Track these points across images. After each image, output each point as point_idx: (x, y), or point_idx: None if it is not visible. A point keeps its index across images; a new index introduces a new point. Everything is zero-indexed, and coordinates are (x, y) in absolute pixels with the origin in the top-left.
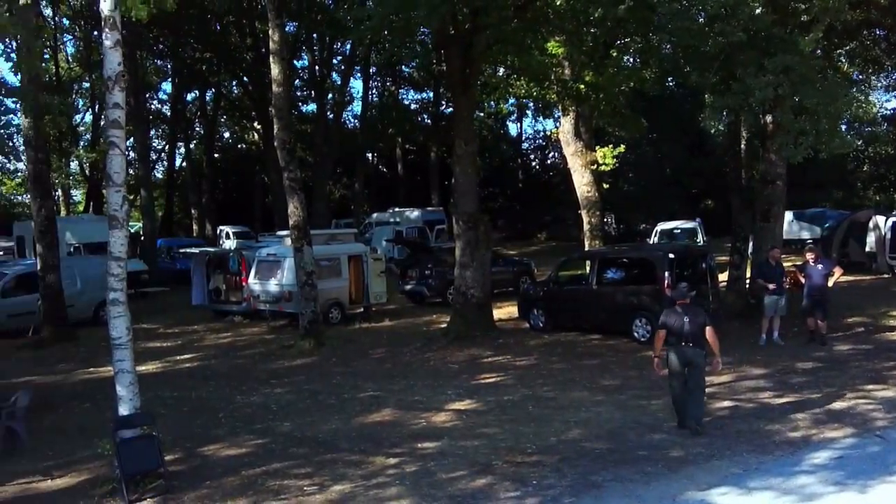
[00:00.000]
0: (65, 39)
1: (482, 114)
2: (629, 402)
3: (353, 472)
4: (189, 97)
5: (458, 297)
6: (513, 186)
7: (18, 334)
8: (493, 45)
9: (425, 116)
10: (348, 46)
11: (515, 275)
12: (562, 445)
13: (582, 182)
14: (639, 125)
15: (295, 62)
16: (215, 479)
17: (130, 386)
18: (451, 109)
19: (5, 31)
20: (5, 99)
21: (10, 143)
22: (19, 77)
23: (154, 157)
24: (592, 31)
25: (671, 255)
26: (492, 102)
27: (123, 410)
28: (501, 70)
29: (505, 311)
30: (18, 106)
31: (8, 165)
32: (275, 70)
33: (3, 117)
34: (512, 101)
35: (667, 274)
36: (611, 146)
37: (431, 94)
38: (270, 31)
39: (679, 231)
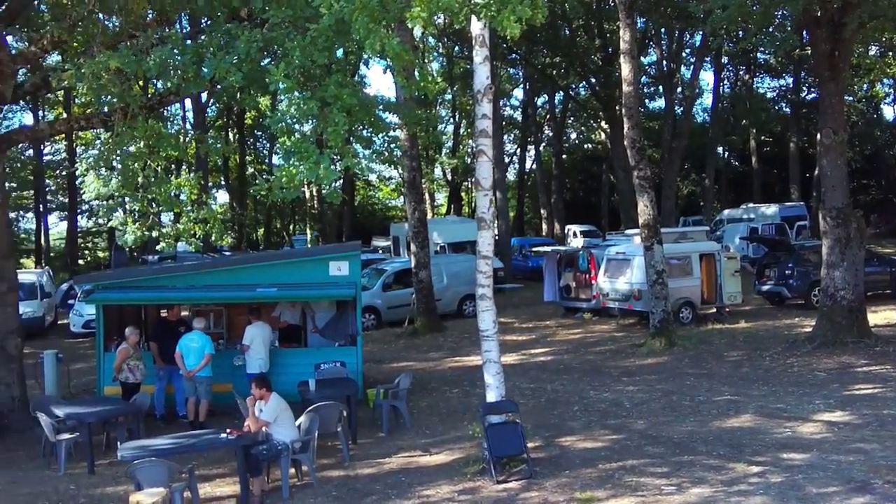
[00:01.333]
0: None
1: (852, 98)
2: None
3: (712, 477)
4: (539, 101)
5: (825, 299)
6: (888, 177)
7: (396, 324)
8: (869, 23)
9: (783, 105)
10: (698, 38)
11: (893, 276)
12: None
13: None
14: None
15: (643, 59)
16: (574, 469)
17: (497, 375)
18: (814, 96)
19: (400, 60)
20: (385, 113)
21: (395, 154)
22: (396, 93)
23: (507, 161)
24: None
25: None
26: (864, 85)
27: (491, 397)
28: (874, 49)
29: (882, 316)
30: (398, 119)
31: (384, 173)
32: (625, 69)
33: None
34: (888, 82)
35: None
36: None
37: (791, 80)
38: (621, 31)
39: None
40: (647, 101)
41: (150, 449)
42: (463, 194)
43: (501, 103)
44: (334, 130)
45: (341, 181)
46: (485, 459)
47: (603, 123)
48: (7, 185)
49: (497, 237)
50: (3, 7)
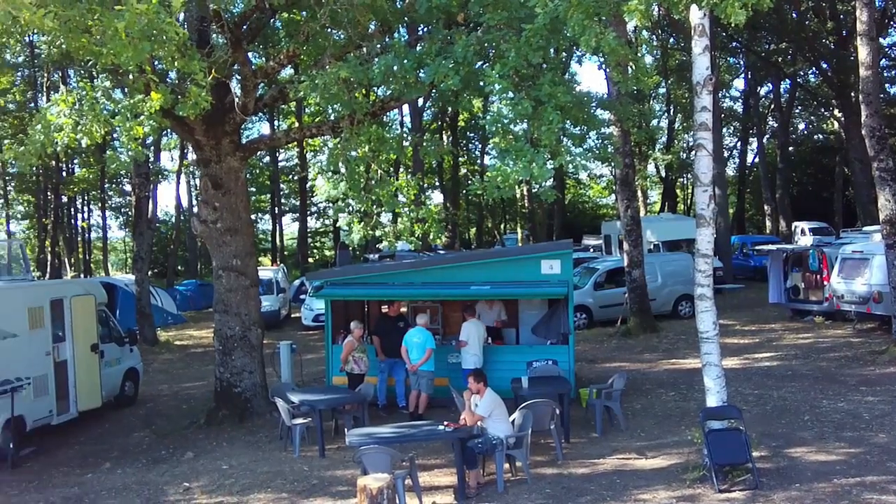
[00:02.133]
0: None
1: None
2: None
3: None
4: (762, 91)
5: None
6: None
7: (608, 323)
8: None
9: None
10: None
11: None
12: None
13: None
14: None
15: (882, 40)
16: (805, 482)
17: (717, 379)
18: None
19: (616, 55)
20: (598, 109)
21: (608, 150)
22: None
23: (726, 156)
24: None
25: None
26: None
27: (711, 402)
28: None
29: None
30: (611, 117)
31: (595, 171)
32: (862, 52)
33: (602, 129)
34: None
35: None
36: None
37: None
38: (857, 11)
39: None
40: (887, 85)
41: (375, 436)
42: (678, 191)
43: (720, 95)
44: (548, 129)
45: (552, 180)
46: (705, 466)
47: (836, 112)
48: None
49: (716, 235)
50: (245, 27)
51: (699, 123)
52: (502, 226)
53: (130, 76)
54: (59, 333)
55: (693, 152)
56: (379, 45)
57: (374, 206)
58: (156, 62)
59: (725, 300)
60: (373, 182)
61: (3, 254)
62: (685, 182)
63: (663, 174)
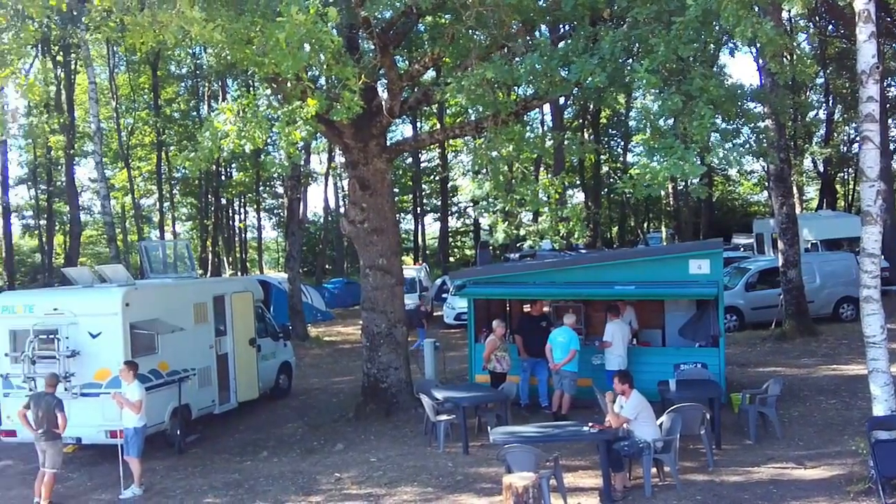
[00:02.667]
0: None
1: None
2: None
3: None
4: None
5: None
6: None
7: (761, 326)
8: None
9: None
10: None
11: None
12: None
13: None
14: None
15: None
16: None
17: (885, 386)
18: None
19: (773, 45)
20: (751, 102)
21: (763, 145)
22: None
23: (893, 149)
24: None
25: None
26: None
27: (878, 411)
28: None
29: None
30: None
31: (746, 167)
32: None
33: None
34: None
35: None
36: None
37: None
38: None
39: None
40: None
41: (519, 435)
42: (837, 187)
43: (886, 83)
44: (700, 124)
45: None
46: (870, 479)
47: None
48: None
49: (883, 233)
50: (391, 32)
51: (865, 115)
52: (645, 224)
53: (288, 84)
54: (220, 328)
55: (857, 145)
56: (522, 45)
57: (518, 206)
58: (308, 70)
59: (893, 302)
60: (513, 182)
61: (171, 253)
62: (846, 177)
63: (821, 169)
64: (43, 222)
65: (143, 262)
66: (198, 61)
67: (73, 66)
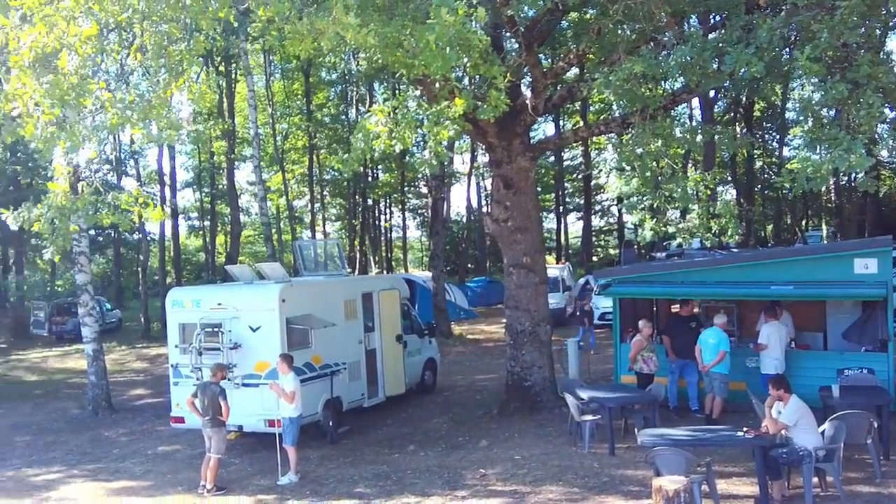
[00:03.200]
0: None
1: None
2: None
3: None
4: None
5: None
6: None
7: None
8: None
9: None
10: None
11: None
12: None
13: None
14: None
15: None
16: None
17: None
18: None
19: None
20: None
21: None
22: None
23: None
24: None
25: None
26: None
27: None
28: None
29: None
30: None
31: None
32: None
33: None
34: None
35: None
36: None
37: None
38: None
39: None
40: None
41: (668, 438)
42: None
43: None
44: (868, 113)
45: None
46: None
47: None
48: None
49: None
50: (535, 30)
51: None
52: (804, 222)
53: (436, 85)
54: (369, 324)
55: None
56: (673, 37)
57: (666, 203)
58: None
59: None
60: (660, 178)
61: (322, 252)
62: None
63: None
64: (206, 223)
65: (296, 260)
66: (348, 66)
67: (233, 76)
